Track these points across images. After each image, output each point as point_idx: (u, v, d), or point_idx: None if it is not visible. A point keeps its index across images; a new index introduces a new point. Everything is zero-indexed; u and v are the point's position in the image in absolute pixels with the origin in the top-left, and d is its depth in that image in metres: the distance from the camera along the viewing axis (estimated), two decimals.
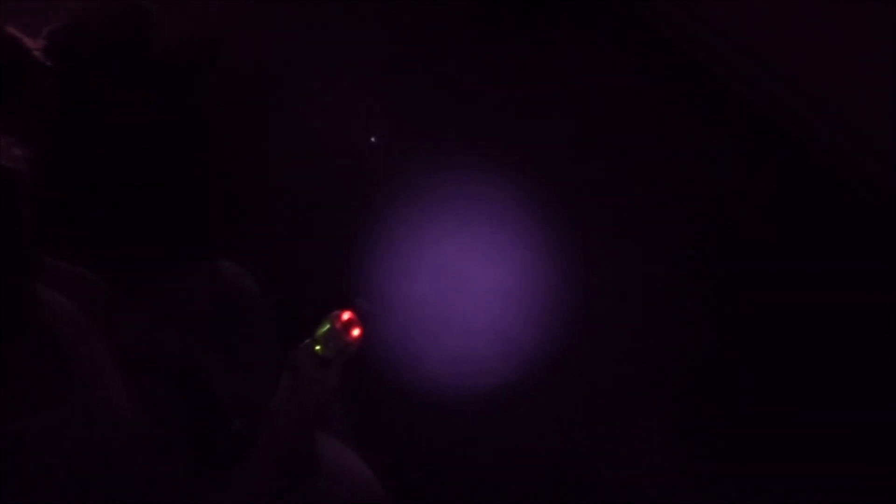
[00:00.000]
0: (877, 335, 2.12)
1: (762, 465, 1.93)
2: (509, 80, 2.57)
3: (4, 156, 0.97)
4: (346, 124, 2.41)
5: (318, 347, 1.25)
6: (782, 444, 1.97)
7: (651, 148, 2.44)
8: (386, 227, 2.22)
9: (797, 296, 2.18)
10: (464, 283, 2.18)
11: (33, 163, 1.00)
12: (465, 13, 2.68)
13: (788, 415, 2.01)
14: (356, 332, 1.28)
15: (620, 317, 2.15)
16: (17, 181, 0.98)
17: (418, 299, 2.14)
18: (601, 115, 2.50)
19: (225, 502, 1.14)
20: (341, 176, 2.34)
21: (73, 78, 1.33)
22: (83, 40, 1.36)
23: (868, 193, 2.32)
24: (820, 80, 2.32)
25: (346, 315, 1.28)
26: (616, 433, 1.99)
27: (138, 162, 1.35)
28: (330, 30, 2.62)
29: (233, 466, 1.16)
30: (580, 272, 2.21)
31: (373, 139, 2.35)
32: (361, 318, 1.28)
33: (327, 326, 1.27)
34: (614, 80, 2.58)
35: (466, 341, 2.09)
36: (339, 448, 1.40)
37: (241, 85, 2.40)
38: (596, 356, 2.08)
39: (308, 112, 2.42)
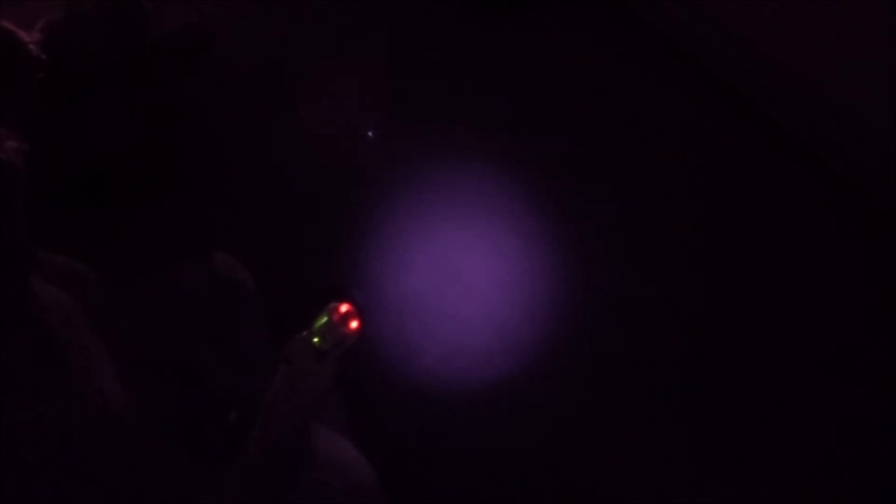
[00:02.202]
0: (877, 335, 2.11)
1: (762, 465, 1.92)
2: (507, 73, 2.57)
3: None
4: (343, 118, 2.42)
5: (315, 339, 1.24)
6: (782, 443, 1.96)
7: (650, 144, 2.45)
8: (382, 220, 2.23)
9: (797, 295, 2.17)
10: (460, 276, 2.18)
11: (28, 155, 0.99)
12: (461, 6, 2.68)
13: (788, 414, 2.00)
14: (354, 324, 1.27)
15: (619, 312, 2.15)
16: (12, 174, 0.97)
17: (414, 292, 2.14)
18: (600, 110, 2.50)
19: (220, 494, 1.13)
20: (338, 169, 2.34)
21: (67, 70, 1.33)
22: (77, 33, 1.36)
23: (870, 191, 2.31)
24: (821, 76, 2.32)
25: (344, 307, 1.27)
26: (614, 430, 1.98)
27: (132, 153, 1.34)
28: (326, 23, 2.63)
29: (227, 458, 1.16)
30: (578, 266, 2.20)
31: (370, 133, 2.35)
32: (357, 310, 1.27)
33: (325, 318, 1.26)
34: (613, 74, 2.59)
35: (462, 334, 2.08)
36: (334, 439, 1.40)
37: (236, 78, 2.41)
38: (594, 351, 2.08)
39: (304, 105, 2.42)
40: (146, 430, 1.09)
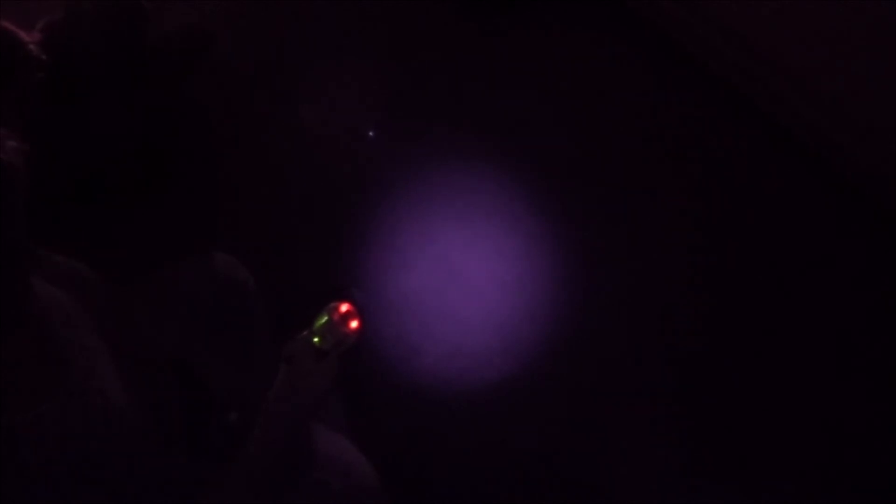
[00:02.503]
0: (877, 335, 2.11)
1: (762, 465, 1.92)
2: (507, 73, 2.57)
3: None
4: (343, 118, 2.41)
5: (316, 339, 1.24)
6: (782, 443, 1.96)
7: (650, 144, 2.44)
8: (383, 219, 2.22)
9: (797, 295, 2.17)
10: (461, 276, 2.18)
11: (28, 155, 0.99)
12: (461, 6, 2.68)
13: (788, 414, 2.00)
14: (354, 323, 1.27)
15: (619, 312, 2.15)
16: (12, 174, 0.97)
17: (415, 292, 2.14)
18: (600, 110, 2.50)
19: (220, 494, 1.13)
20: (338, 169, 2.34)
21: (68, 70, 1.33)
22: (78, 33, 1.36)
23: (870, 191, 2.31)
24: (821, 77, 2.31)
25: (344, 307, 1.27)
26: (614, 430, 1.98)
27: (132, 153, 1.35)
28: (326, 23, 2.63)
29: (228, 458, 1.16)
30: (578, 266, 2.20)
31: (370, 133, 2.35)
32: (357, 310, 1.28)
33: (325, 318, 1.26)
34: (613, 74, 2.59)
35: (462, 334, 2.08)
36: (334, 439, 1.40)
37: (236, 78, 2.41)
38: (594, 351, 2.08)
39: (304, 105, 2.42)
40: (147, 430, 1.09)
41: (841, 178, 2.35)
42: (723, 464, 1.93)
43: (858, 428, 1.98)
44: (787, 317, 2.14)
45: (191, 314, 1.36)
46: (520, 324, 2.10)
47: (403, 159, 2.35)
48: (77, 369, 1.05)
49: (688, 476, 1.90)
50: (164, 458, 1.12)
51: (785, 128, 2.43)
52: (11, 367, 0.98)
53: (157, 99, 1.40)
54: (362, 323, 1.28)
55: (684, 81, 2.56)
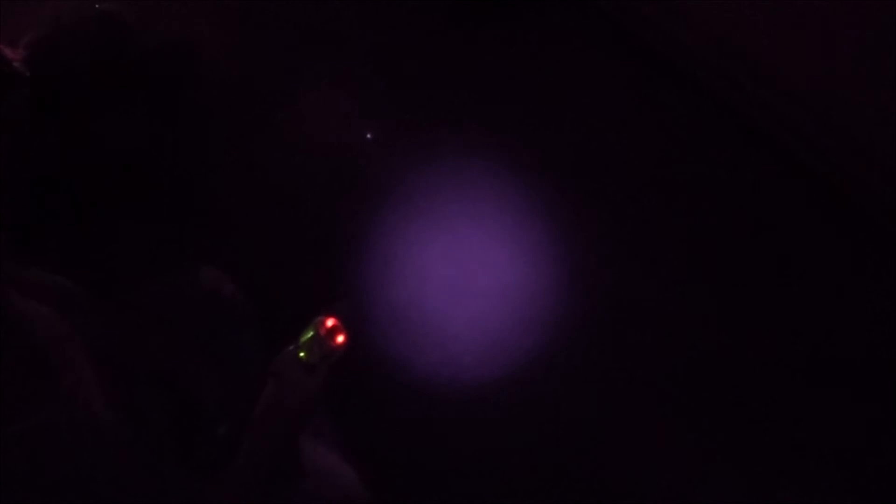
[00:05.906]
0: (876, 335, 2.13)
1: (762, 465, 1.93)
2: (504, 79, 2.57)
3: None
4: (338, 125, 2.41)
5: (302, 354, 1.25)
6: (783, 443, 1.97)
7: (648, 151, 2.45)
8: (375, 228, 2.22)
9: (795, 297, 2.19)
10: (454, 285, 2.18)
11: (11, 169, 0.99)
12: (455, 11, 2.68)
13: (788, 414, 2.01)
14: (340, 338, 1.28)
15: (615, 317, 2.15)
16: None
17: (407, 301, 2.13)
18: (594, 118, 2.50)
19: None
20: (335, 176, 2.34)
21: (53, 86, 1.33)
22: (63, 49, 1.36)
23: (861, 198, 2.33)
24: (811, 84, 2.33)
25: (330, 321, 1.28)
26: (612, 434, 1.99)
27: (119, 167, 1.34)
28: (322, 28, 2.62)
29: (216, 472, 1.15)
30: (572, 273, 2.21)
31: (367, 136, 2.35)
32: (345, 322, 1.28)
33: (311, 333, 1.27)
34: (604, 82, 2.59)
35: (456, 343, 2.08)
36: (323, 452, 1.40)
37: (232, 84, 2.40)
38: (590, 357, 2.08)
39: (302, 110, 2.42)
40: (134, 443, 1.09)
41: (832, 184, 2.36)
42: (724, 463, 1.94)
43: (858, 428, 1.99)
44: (788, 321, 2.16)
45: (177, 328, 1.36)
46: (515, 330, 2.10)
47: (398, 166, 2.34)
48: (63, 383, 1.05)
49: (689, 479, 1.91)
50: (151, 471, 1.11)
51: (775, 134, 2.44)
52: None
53: (144, 112, 1.39)
54: (349, 337, 1.29)
55: (678, 92, 2.56)
